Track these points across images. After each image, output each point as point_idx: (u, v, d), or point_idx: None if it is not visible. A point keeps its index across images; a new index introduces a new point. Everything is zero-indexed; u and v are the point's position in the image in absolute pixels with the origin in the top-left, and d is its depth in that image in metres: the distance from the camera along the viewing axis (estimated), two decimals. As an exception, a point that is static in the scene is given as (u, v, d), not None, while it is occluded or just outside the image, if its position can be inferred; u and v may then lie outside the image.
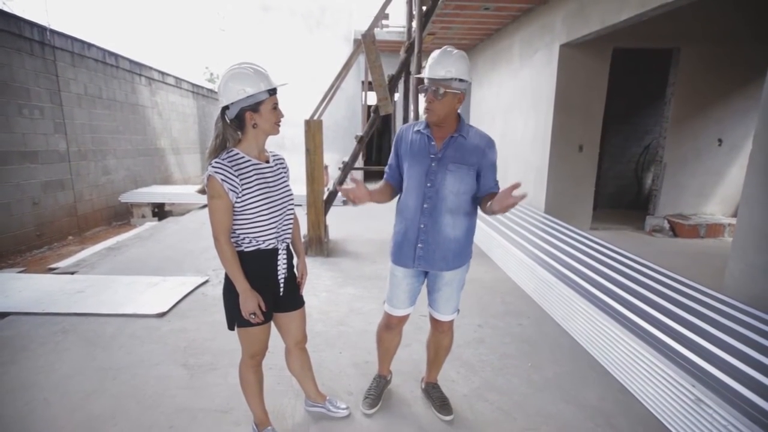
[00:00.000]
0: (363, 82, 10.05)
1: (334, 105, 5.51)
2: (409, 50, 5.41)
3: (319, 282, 4.09)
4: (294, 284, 1.94)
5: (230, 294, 1.74)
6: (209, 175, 1.62)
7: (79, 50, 7.54)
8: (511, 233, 4.75)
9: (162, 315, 3.35)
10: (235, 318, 1.77)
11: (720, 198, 6.46)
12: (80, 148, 7.51)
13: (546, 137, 6.06)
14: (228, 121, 1.68)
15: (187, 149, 12.44)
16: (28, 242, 6.26)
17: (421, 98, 1.90)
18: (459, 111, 1.91)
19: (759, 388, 1.92)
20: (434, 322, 2.15)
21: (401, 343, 2.31)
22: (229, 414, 2.22)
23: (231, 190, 1.63)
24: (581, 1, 5.10)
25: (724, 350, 2.23)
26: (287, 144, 9.72)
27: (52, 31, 6.87)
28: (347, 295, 3.81)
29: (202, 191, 1.70)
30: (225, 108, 1.67)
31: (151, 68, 10.22)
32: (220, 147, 1.68)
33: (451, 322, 2.14)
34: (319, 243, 4.94)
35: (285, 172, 1.87)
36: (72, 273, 4.46)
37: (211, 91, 14.54)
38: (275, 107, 1.70)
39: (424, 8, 5.24)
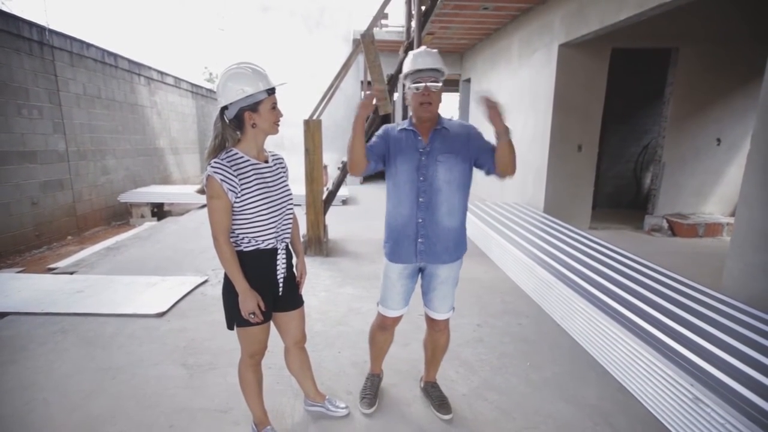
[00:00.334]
0: (362, 82, 10.05)
1: (333, 105, 5.51)
2: (408, 50, 5.41)
3: (318, 282, 4.09)
4: (293, 284, 1.94)
5: (229, 294, 1.74)
6: (208, 175, 1.62)
7: (77, 50, 7.53)
8: (510, 233, 4.75)
9: (161, 315, 3.35)
10: (234, 318, 1.77)
11: (718, 197, 6.47)
12: (79, 148, 7.50)
13: (545, 137, 6.07)
14: (227, 121, 1.68)
15: (186, 149, 12.44)
16: (27, 242, 6.26)
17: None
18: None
19: (758, 387, 1.93)
20: (431, 321, 2.16)
21: (400, 342, 2.32)
22: (228, 413, 2.22)
23: (230, 190, 1.63)
24: (580, 1, 5.11)
25: (723, 349, 2.23)
26: (286, 144, 9.72)
27: (51, 31, 6.86)
28: (346, 295, 3.81)
29: (201, 191, 1.70)
30: (224, 108, 1.67)
31: (150, 68, 10.21)
32: (219, 147, 1.68)
33: (447, 321, 2.15)
34: (318, 243, 4.94)
35: (284, 172, 1.87)
36: (71, 273, 4.45)
37: (210, 90, 14.53)
38: (274, 107, 1.70)
39: (423, 8, 5.24)
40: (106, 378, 2.52)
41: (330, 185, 5.42)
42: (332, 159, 10.48)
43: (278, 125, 1.73)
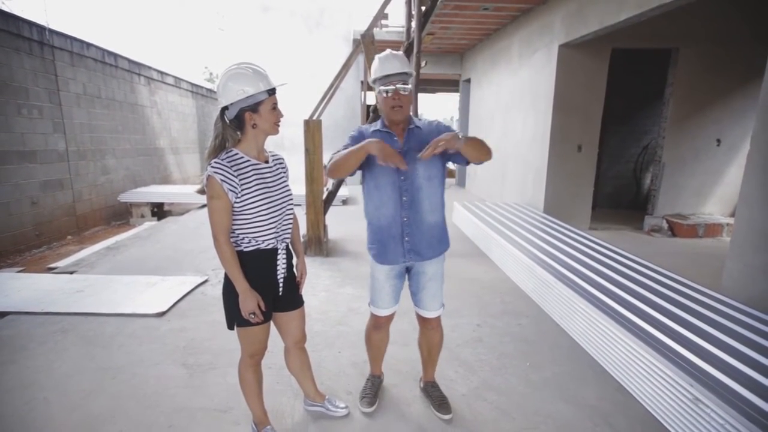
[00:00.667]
0: (362, 82, 10.07)
1: (333, 105, 5.52)
2: (409, 50, 5.41)
3: (318, 282, 4.10)
4: (293, 284, 1.94)
5: (230, 294, 1.74)
6: (208, 175, 1.62)
7: (78, 50, 7.53)
8: (510, 233, 4.75)
9: (161, 314, 3.35)
10: (234, 317, 1.77)
11: (718, 198, 6.47)
12: (79, 147, 7.51)
13: (545, 137, 6.07)
14: (227, 122, 1.68)
15: (186, 149, 12.44)
16: (27, 242, 6.26)
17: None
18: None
19: (757, 387, 1.93)
20: (423, 320, 2.18)
21: (400, 342, 2.32)
22: (228, 413, 2.22)
23: (230, 190, 1.63)
24: (580, 2, 5.11)
25: (723, 350, 2.23)
26: (286, 144, 9.73)
27: (51, 31, 6.87)
28: (346, 295, 3.81)
29: (201, 191, 1.70)
30: (224, 108, 1.67)
31: (150, 68, 10.22)
32: (220, 147, 1.69)
33: (439, 318, 2.18)
34: (318, 243, 4.94)
35: (284, 172, 1.87)
36: (71, 272, 4.46)
37: (211, 90, 14.54)
38: (274, 107, 1.70)
39: (423, 8, 5.24)
40: (106, 377, 2.52)
41: (330, 185, 5.42)
42: (332, 159, 10.46)
43: (279, 126, 1.74)
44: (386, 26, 10.85)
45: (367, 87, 6.05)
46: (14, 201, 6.05)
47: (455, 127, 13.95)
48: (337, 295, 3.82)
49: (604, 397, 2.38)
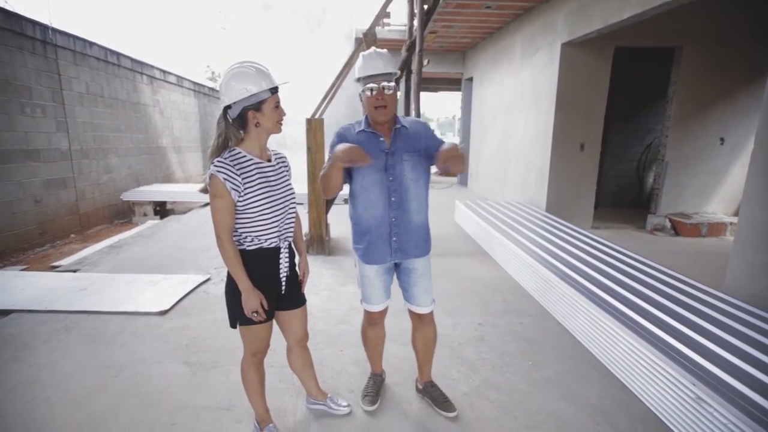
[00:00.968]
0: (364, 81, 10.03)
1: (335, 103, 5.51)
2: (411, 49, 5.41)
3: (320, 280, 4.10)
4: (296, 282, 1.94)
5: (232, 292, 1.74)
6: (211, 174, 1.62)
7: (80, 49, 7.55)
8: (512, 232, 4.74)
9: (164, 313, 3.36)
10: (237, 316, 1.77)
11: (722, 197, 6.44)
12: (82, 146, 7.53)
13: (547, 136, 6.05)
14: (230, 120, 1.68)
15: (188, 148, 12.46)
16: (31, 240, 6.29)
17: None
18: None
19: (760, 386, 1.92)
20: (417, 317, 2.19)
21: (400, 341, 2.32)
22: (230, 411, 2.23)
23: (233, 189, 1.63)
24: (583, 0, 5.09)
25: (725, 349, 2.23)
26: (288, 142, 9.71)
27: (54, 30, 6.88)
28: (348, 294, 3.81)
29: (204, 190, 1.71)
30: (227, 107, 1.67)
31: (152, 67, 10.23)
32: (222, 146, 1.69)
33: (432, 313, 2.19)
34: (320, 241, 4.95)
35: (287, 171, 1.87)
36: (74, 271, 4.47)
37: (213, 89, 14.55)
38: (277, 106, 1.70)
39: (426, 7, 5.23)
40: (108, 376, 2.53)
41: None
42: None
43: (281, 124, 1.74)
44: (388, 25, 10.82)
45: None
46: (18, 199, 6.07)
47: (457, 126, 13.94)
48: (339, 293, 3.83)
49: (606, 396, 2.38)
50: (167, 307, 3.41)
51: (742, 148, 6.16)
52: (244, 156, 1.69)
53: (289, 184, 1.85)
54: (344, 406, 2.22)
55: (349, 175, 1.99)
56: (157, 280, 4.02)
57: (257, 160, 1.72)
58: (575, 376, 2.58)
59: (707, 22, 5.63)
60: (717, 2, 5.37)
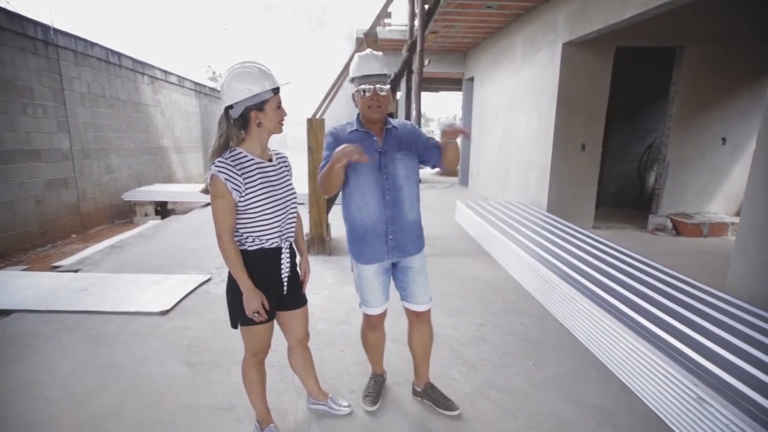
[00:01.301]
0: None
1: (336, 103, 5.51)
2: (412, 49, 5.41)
3: (321, 280, 4.10)
4: (297, 283, 1.94)
5: (233, 292, 1.74)
6: (212, 174, 1.62)
7: (82, 49, 7.56)
8: (513, 232, 4.74)
9: (165, 313, 3.36)
10: (238, 316, 1.77)
11: (723, 197, 6.43)
12: (83, 146, 7.54)
13: (548, 136, 6.05)
14: (232, 121, 1.68)
15: (189, 148, 12.47)
16: (32, 240, 6.30)
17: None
18: None
19: (761, 386, 1.92)
20: (415, 315, 2.19)
21: (401, 341, 2.32)
22: (231, 411, 2.23)
23: (234, 189, 1.63)
24: (584, 0, 5.08)
25: (727, 349, 2.22)
26: (289, 142, 9.72)
27: (56, 30, 6.89)
28: (349, 294, 3.81)
29: (205, 191, 1.71)
30: (228, 107, 1.67)
31: (153, 67, 10.25)
32: (224, 146, 1.69)
33: (429, 311, 2.19)
34: (321, 241, 4.95)
35: (288, 171, 1.87)
36: (75, 271, 4.48)
37: (214, 89, 14.56)
38: (279, 106, 1.70)
39: (427, 7, 5.23)
40: (109, 376, 2.53)
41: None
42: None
43: (283, 124, 1.74)
44: (389, 25, 10.82)
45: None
46: (19, 200, 6.08)
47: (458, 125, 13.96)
48: (340, 293, 3.83)
49: (608, 396, 2.38)
50: (168, 307, 3.42)
51: (744, 148, 6.15)
52: (246, 156, 1.69)
53: (291, 184, 1.85)
54: (345, 407, 2.22)
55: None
56: (158, 280, 4.02)
57: (258, 160, 1.72)
58: (576, 376, 2.57)
59: (708, 22, 5.62)
60: (718, 2, 5.36)
